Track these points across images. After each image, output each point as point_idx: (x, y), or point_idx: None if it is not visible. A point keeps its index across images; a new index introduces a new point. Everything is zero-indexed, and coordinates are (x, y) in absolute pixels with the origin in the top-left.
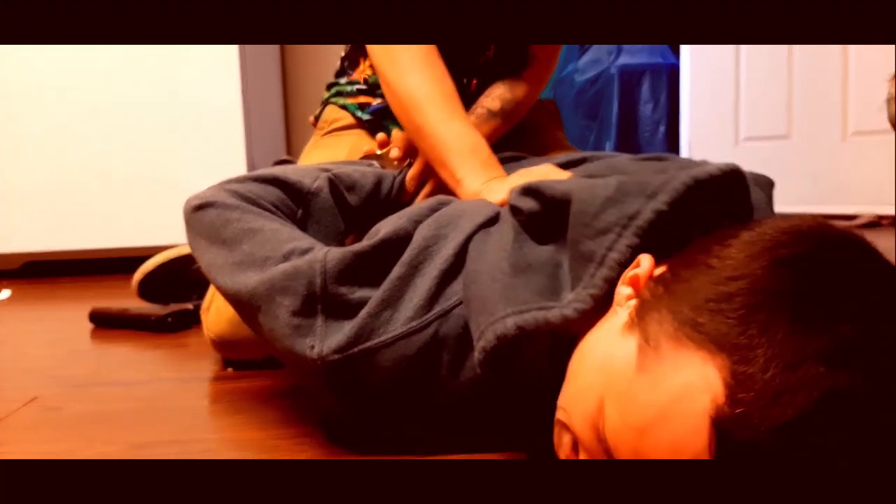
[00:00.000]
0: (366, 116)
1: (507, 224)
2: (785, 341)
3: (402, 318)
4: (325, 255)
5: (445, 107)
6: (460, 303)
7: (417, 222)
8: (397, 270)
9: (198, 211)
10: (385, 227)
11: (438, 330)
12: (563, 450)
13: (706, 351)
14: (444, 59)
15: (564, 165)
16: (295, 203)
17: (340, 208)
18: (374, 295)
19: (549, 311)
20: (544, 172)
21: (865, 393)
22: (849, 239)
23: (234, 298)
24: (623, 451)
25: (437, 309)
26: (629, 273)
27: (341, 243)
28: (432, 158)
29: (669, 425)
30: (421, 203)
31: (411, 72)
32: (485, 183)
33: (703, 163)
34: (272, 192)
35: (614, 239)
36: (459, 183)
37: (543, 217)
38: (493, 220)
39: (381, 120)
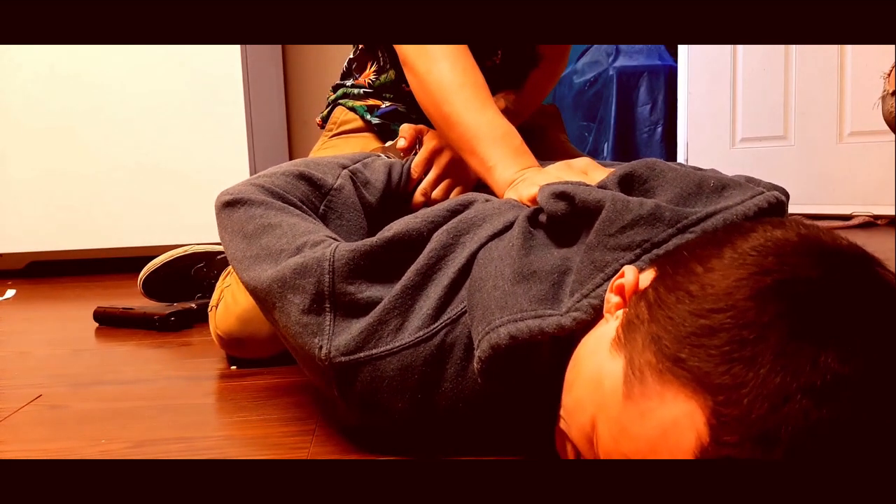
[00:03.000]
0: (375, 120)
1: (518, 229)
2: (769, 378)
3: (411, 328)
4: (334, 252)
5: (476, 96)
6: (466, 311)
7: (433, 223)
8: (411, 278)
9: (227, 207)
10: (396, 226)
11: (445, 339)
12: (567, 456)
13: (690, 390)
14: None
15: None
16: (318, 199)
17: (362, 204)
18: (385, 299)
19: (544, 320)
20: (584, 166)
21: (852, 426)
22: (837, 252)
23: (253, 293)
24: None
25: (445, 318)
26: (616, 282)
27: (362, 239)
28: (461, 147)
29: (657, 457)
30: (439, 205)
31: (442, 61)
32: (519, 171)
33: (743, 185)
34: (299, 187)
35: (631, 259)
36: (491, 171)
37: (567, 220)
38: (510, 227)
39: (390, 124)
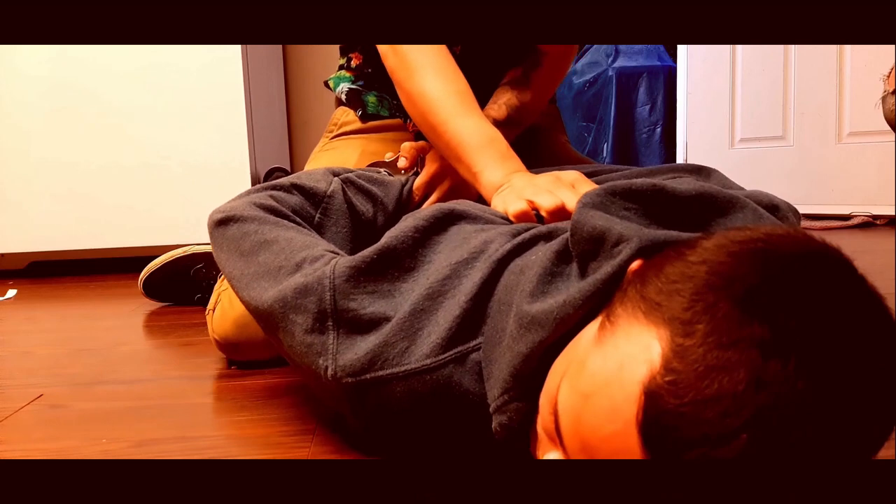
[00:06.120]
0: (353, 86)
1: (538, 268)
2: (725, 322)
3: (419, 354)
4: (334, 269)
5: (460, 103)
6: (478, 347)
7: (416, 230)
8: (419, 301)
9: (220, 226)
10: (386, 237)
11: (454, 372)
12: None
13: (653, 324)
14: None
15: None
16: (313, 207)
17: (353, 212)
18: (392, 321)
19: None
20: (573, 179)
21: (794, 385)
22: (826, 253)
23: (254, 313)
24: (567, 420)
25: (455, 350)
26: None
27: (356, 246)
28: (449, 155)
29: (609, 391)
30: (419, 212)
31: (423, 71)
32: (507, 175)
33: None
34: (292, 199)
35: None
36: (477, 176)
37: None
38: (523, 246)
39: (361, 93)
